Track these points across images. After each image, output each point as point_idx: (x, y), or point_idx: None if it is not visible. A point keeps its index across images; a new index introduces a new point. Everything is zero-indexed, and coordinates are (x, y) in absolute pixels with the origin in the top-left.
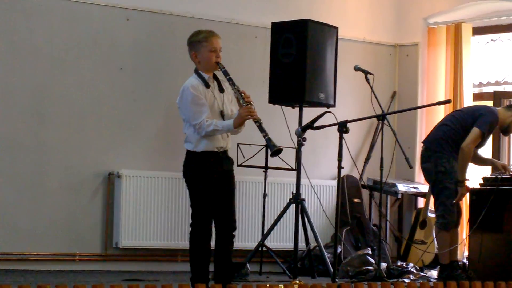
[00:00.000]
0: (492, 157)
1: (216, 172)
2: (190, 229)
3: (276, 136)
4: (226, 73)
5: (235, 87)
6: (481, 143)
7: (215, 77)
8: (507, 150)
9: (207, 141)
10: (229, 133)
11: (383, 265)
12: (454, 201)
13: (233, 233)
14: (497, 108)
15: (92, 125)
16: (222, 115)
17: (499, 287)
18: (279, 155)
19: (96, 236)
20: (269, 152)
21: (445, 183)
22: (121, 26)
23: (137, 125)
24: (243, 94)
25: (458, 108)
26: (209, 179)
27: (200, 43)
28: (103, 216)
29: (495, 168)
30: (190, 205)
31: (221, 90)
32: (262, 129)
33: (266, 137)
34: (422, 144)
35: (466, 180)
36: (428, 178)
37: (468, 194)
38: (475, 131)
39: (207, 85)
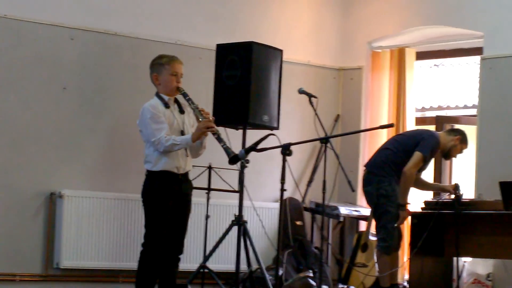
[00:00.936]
0: (434, 181)
1: (174, 195)
2: (142, 248)
3: (219, 157)
4: (185, 95)
5: (194, 105)
6: (423, 167)
7: (175, 100)
8: (449, 174)
9: (166, 159)
10: (190, 154)
11: (324, 287)
12: (395, 225)
13: (179, 256)
14: (438, 132)
15: (34, 145)
16: (182, 134)
17: None
18: (224, 175)
19: (37, 256)
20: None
21: (387, 206)
22: (65, 46)
23: (80, 145)
24: (202, 112)
25: (400, 132)
26: (167, 201)
27: (162, 66)
28: (44, 236)
29: (444, 192)
30: (144, 225)
31: (182, 111)
32: (220, 140)
33: (224, 146)
34: (364, 168)
35: (408, 203)
36: (370, 201)
37: (409, 218)
38: (417, 155)
39: (166, 106)
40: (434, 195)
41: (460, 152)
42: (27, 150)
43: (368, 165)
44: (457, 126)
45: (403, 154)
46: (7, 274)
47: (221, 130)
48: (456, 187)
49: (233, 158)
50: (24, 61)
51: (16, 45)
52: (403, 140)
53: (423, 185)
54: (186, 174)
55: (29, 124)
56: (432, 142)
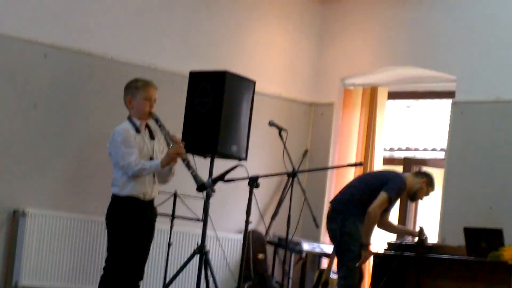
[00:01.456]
0: (399, 223)
1: (138, 220)
2: (103, 272)
3: (185, 184)
4: (157, 120)
5: (165, 131)
6: (388, 208)
7: (147, 126)
8: (413, 217)
9: (133, 184)
10: (158, 180)
11: None
12: (357, 264)
13: (140, 282)
14: (405, 174)
15: (0, 160)
16: (151, 160)
17: None
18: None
19: None
20: (196, 187)
21: (349, 245)
22: (38, 63)
23: (47, 164)
24: (173, 138)
25: (368, 171)
26: (131, 227)
27: (137, 89)
28: (4, 254)
29: (408, 234)
30: (106, 249)
31: (152, 137)
32: (189, 167)
33: (193, 173)
34: (330, 204)
35: (370, 244)
36: (333, 238)
37: (371, 258)
38: (382, 195)
39: (138, 130)
40: (398, 237)
41: (426, 194)
42: None
43: (333, 202)
44: (424, 169)
45: (369, 194)
46: None
47: (189, 157)
48: (420, 231)
49: (202, 186)
50: None
51: None
52: (369, 180)
53: (388, 227)
54: (152, 201)
55: None
56: (398, 184)
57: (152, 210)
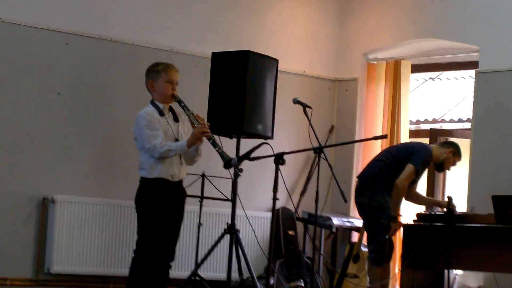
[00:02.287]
0: (427, 194)
1: (167, 202)
2: (133, 255)
3: (213, 166)
4: (180, 102)
5: (189, 111)
6: (415, 179)
7: (170, 109)
8: (442, 187)
9: (160, 166)
10: (184, 161)
11: None
12: (386, 236)
13: (171, 263)
14: (431, 145)
15: (27, 149)
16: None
17: None
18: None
19: (28, 261)
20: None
21: (378, 218)
22: (60, 50)
23: (74, 151)
24: (197, 118)
25: (394, 144)
26: (160, 209)
27: (158, 73)
28: (35, 241)
29: (437, 206)
30: (136, 232)
31: (176, 119)
32: (215, 144)
33: (219, 151)
34: (357, 179)
35: (399, 216)
36: (362, 212)
37: (401, 230)
38: (409, 167)
39: (161, 113)
40: (427, 208)
41: (453, 164)
42: (20, 155)
43: (360, 177)
44: (451, 139)
45: (396, 166)
46: None
47: (214, 136)
48: (449, 200)
49: (228, 163)
50: (19, 65)
51: (11, 48)
52: (396, 152)
53: (416, 198)
54: (180, 182)
55: (22, 128)
56: (425, 155)
57: (181, 191)
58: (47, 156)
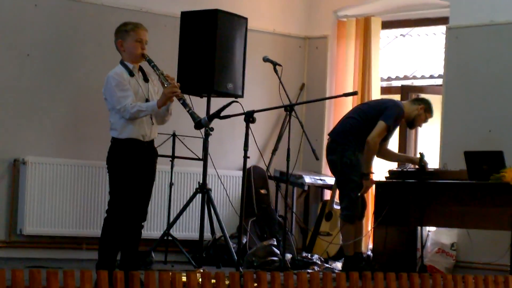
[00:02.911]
0: (399, 151)
1: (139, 162)
2: (106, 215)
3: (183, 125)
4: (150, 61)
5: (159, 71)
6: (387, 136)
7: (140, 68)
8: (414, 144)
9: (131, 126)
10: (155, 121)
11: (288, 256)
12: (359, 194)
13: (143, 223)
14: (402, 101)
15: None
16: (147, 102)
17: (401, 278)
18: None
19: (1, 222)
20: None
21: (350, 175)
22: (29, 12)
23: (44, 112)
24: (167, 77)
25: (366, 101)
26: (132, 168)
27: (127, 32)
28: (7, 203)
29: (409, 162)
30: (108, 192)
31: (146, 80)
32: (185, 105)
33: (190, 111)
34: (328, 136)
35: (371, 173)
36: (333, 170)
37: (373, 187)
38: (380, 124)
39: (131, 74)
40: (399, 165)
41: (425, 121)
42: None
43: (332, 134)
44: (422, 96)
45: (367, 123)
46: None
47: (185, 97)
48: (421, 157)
49: (199, 123)
50: None
51: None
52: (367, 109)
53: (388, 155)
54: (151, 142)
55: None
56: (396, 112)
57: (152, 151)
58: (17, 118)
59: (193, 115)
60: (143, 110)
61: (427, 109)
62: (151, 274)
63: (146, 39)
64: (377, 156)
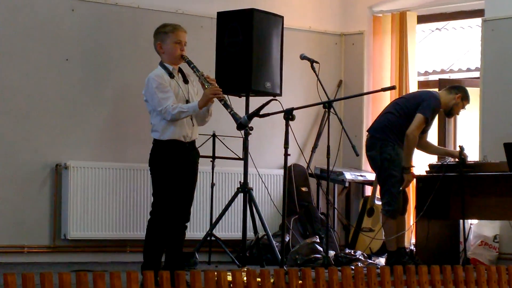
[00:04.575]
0: (439, 143)
1: (181, 163)
2: (150, 217)
3: (223, 125)
4: (190, 63)
5: (199, 72)
6: (425, 128)
7: (180, 70)
8: (453, 136)
9: (173, 128)
10: (196, 121)
11: (331, 253)
12: (400, 188)
13: (186, 224)
14: (439, 91)
15: (38, 117)
16: (187, 103)
17: (445, 271)
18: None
19: (45, 227)
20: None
21: (391, 170)
22: (66, 17)
23: (84, 116)
24: (207, 79)
25: (402, 95)
26: (174, 169)
27: (166, 34)
28: (51, 208)
29: (449, 155)
30: (152, 194)
31: (186, 81)
32: (227, 106)
33: (231, 112)
34: (367, 132)
35: (412, 166)
36: (374, 166)
37: (414, 181)
38: (418, 117)
39: (171, 75)
40: (439, 159)
41: (463, 108)
42: (31, 122)
43: (370, 130)
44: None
45: (405, 117)
46: (15, 246)
47: (226, 98)
48: (460, 150)
49: (240, 124)
50: (26, 33)
51: (18, 17)
52: (404, 103)
53: (428, 148)
54: (193, 143)
55: (32, 96)
56: (433, 103)
57: (194, 152)
58: (58, 123)
59: (234, 116)
60: (184, 111)
61: (464, 97)
62: (196, 273)
63: (185, 41)
64: (417, 149)
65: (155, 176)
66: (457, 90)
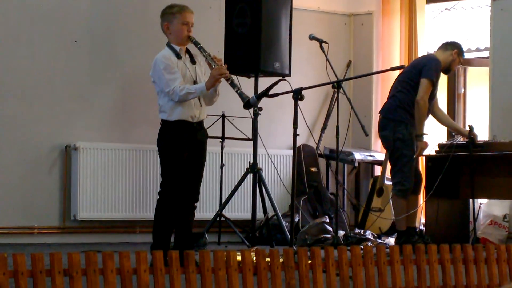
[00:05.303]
0: None
1: (189, 143)
2: (158, 197)
3: (232, 106)
4: (196, 43)
5: (206, 53)
6: (433, 92)
7: (187, 51)
8: (462, 116)
9: (181, 108)
10: (204, 102)
11: (341, 233)
12: (414, 156)
13: (195, 204)
14: (434, 52)
15: (47, 98)
16: (195, 84)
17: (455, 250)
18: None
19: (55, 209)
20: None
21: (403, 150)
22: None
23: (93, 98)
24: (214, 59)
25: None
26: (182, 150)
27: (173, 15)
28: (61, 189)
29: (458, 133)
30: (160, 174)
31: (193, 62)
32: (234, 85)
33: (238, 91)
34: (379, 114)
35: (424, 134)
36: (386, 145)
37: (424, 162)
38: (424, 82)
39: (178, 56)
40: (448, 138)
41: (459, 63)
42: (40, 104)
43: (382, 111)
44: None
45: (413, 90)
46: (25, 227)
47: (233, 78)
48: (470, 129)
49: (248, 103)
50: (34, 15)
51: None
52: (406, 77)
53: (440, 117)
54: (201, 123)
55: (41, 78)
56: (434, 64)
57: (202, 132)
58: (67, 104)
59: (241, 95)
60: (192, 92)
61: (460, 53)
62: (205, 253)
63: (192, 21)
64: (431, 115)
65: (163, 157)
66: (453, 46)
